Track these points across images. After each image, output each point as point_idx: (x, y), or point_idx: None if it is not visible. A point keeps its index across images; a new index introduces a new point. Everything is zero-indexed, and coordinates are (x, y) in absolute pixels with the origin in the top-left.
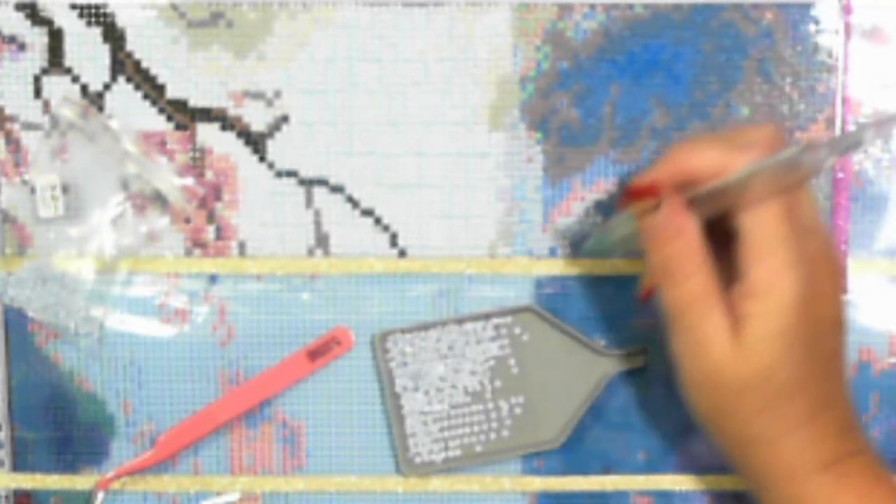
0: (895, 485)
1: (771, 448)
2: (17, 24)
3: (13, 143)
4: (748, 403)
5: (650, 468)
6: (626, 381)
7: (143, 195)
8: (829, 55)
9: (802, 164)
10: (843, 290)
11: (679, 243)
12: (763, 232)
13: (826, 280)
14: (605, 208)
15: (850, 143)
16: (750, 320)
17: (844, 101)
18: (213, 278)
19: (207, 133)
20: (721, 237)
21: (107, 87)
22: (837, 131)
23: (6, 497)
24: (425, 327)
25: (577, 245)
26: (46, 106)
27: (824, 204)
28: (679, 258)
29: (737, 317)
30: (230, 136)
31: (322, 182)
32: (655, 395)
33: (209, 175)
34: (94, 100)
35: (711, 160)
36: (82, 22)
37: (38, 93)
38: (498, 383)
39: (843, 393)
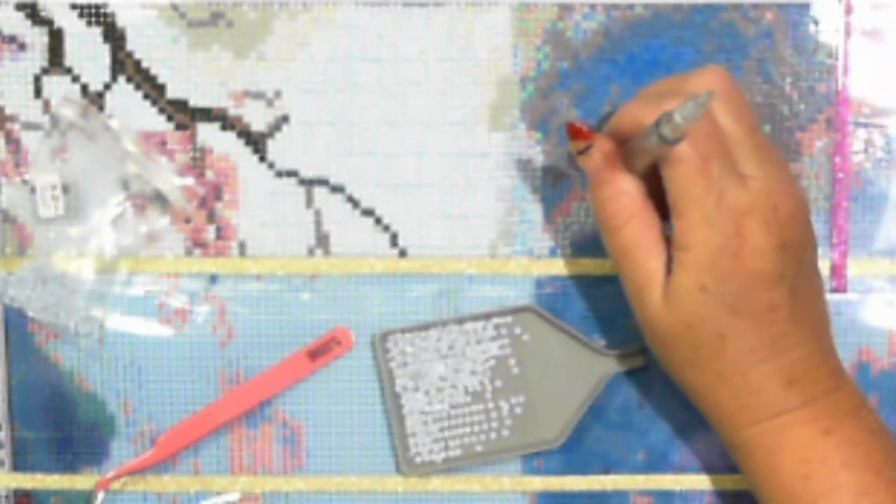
0: (847, 438)
1: (708, 397)
2: (18, 23)
3: (13, 143)
4: (677, 354)
5: (650, 468)
6: (626, 381)
7: (143, 195)
8: (829, 55)
9: (664, 134)
10: (784, 237)
11: (608, 191)
12: (677, 188)
13: (756, 232)
14: None
15: (698, 108)
16: (674, 273)
17: (845, 101)
18: (213, 278)
19: (208, 133)
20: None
21: (107, 86)
22: (837, 132)
23: (6, 497)
24: (425, 327)
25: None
26: (47, 106)
27: (824, 204)
28: (609, 206)
29: (667, 266)
30: (230, 135)
31: (322, 182)
32: (655, 395)
33: (209, 175)
34: (95, 100)
35: (632, 114)
36: (82, 22)
37: (38, 93)
38: (498, 383)
39: (792, 341)
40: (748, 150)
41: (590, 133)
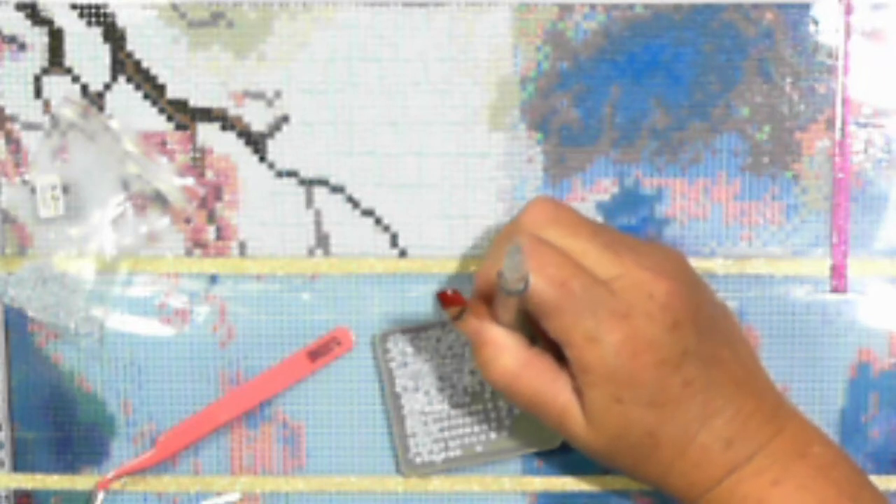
0: (797, 485)
1: (659, 486)
2: (18, 24)
3: (13, 143)
4: (619, 463)
5: None
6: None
7: (143, 195)
8: (830, 55)
9: (508, 289)
10: (672, 317)
11: (489, 352)
12: (552, 324)
13: (643, 328)
14: (606, 208)
15: (516, 260)
16: (584, 397)
17: (844, 101)
18: (213, 278)
19: (208, 133)
20: None
21: (107, 87)
22: (837, 133)
23: (6, 497)
24: (425, 327)
25: None
26: (47, 106)
27: (824, 204)
28: (496, 366)
29: (577, 391)
30: (230, 136)
31: (322, 182)
32: None
33: (209, 175)
34: (95, 100)
35: (487, 270)
36: (82, 22)
37: (38, 93)
38: None
39: (714, 406)
40: (598, 255)
41: (461, 299)
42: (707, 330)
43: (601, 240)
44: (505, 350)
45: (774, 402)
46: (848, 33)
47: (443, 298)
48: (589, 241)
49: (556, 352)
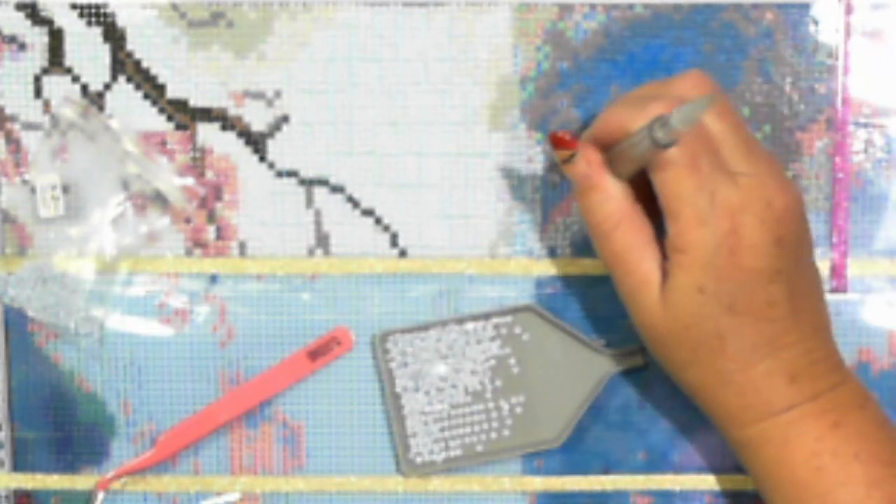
0: (856, 431)
1: (710, 396)
2: (18, 23)
3: (13, 143)
4: (676, 356)
5: (650, 468)
6: (626, 381)
7: (143, 195)
8: (830, 55)
9: (657, 138)
10: (780, 232)
11: (594, 197)
12: (669, 190)
13: (751, 229)
14: None
15: (696, 112)
16: (670, 276)
17: (845, 101)
18: (213, 278)
19: (208, 133)
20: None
21: (107, 86)
22: (837, 132)
23: (6, 497)
24: (425, 327)
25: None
26: (47, 106)
27: (824, 204)
28: (597, 212)
29: (663, 268)
30: (230, 136)
31: (322, 182)
32: (655, 395)
33: (209, 175)
34: (95, 100)
35: (618, 119)
36: (82, 22)
37: (38, 93)
38: (498, 383)
39: (795, 337)
40: (735, 147)
41: (573, 141)
42: (803, 263)
43: (742, 134)
44: (612, 198)
45: (839, 358)
46: (848, 33)
47: (554, 139)
48: (731, 130)
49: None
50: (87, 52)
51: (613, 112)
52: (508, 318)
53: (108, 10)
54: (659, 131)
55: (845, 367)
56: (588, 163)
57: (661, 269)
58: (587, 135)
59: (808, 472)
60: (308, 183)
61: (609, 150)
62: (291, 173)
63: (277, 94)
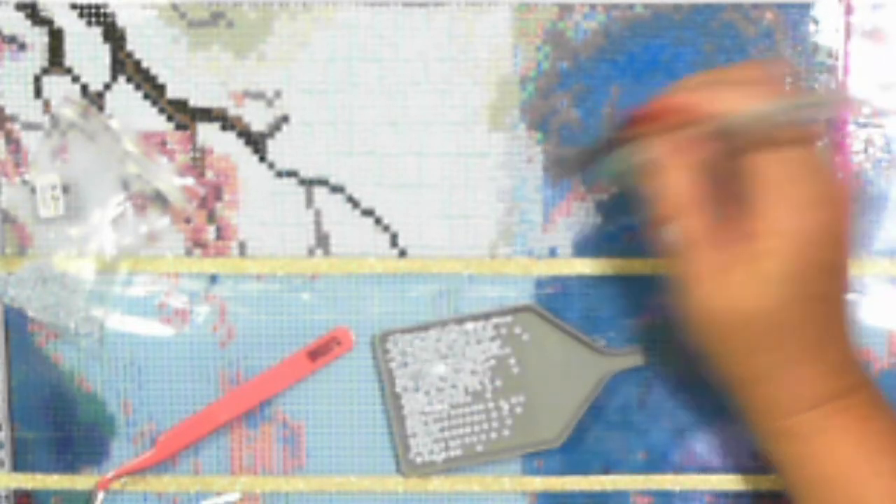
0: (885, 426)
1: (751, 388)
2: (18, 23)
3: (13, 143)
4: (737, 343)
5: (650, 468)
6: (626, 381)
7: (143, 195)
8: (830, 55)
9: (817, 110)
10: (849, 233)
11: (679, 177)
12: (774, 173)
13: (833, 223)
14: (606, 208)
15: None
16: (751, 262)
17: None
18: (213, 278)
19: (208, 133)
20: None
21: (107, 86)
22: (837, 132)
23: (6, 497)
24: (425, 327)
25: (584, 175)
26: (47, 106)
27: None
28: (680, 192)
29: (738, 255)
30: (230, 136)
31: (322, 182)
32: (655, 395)
33: (209, 175)
34: (95, 100)
35: (722, 101)
36: (82, 22)
37: (38, 93)
38: (498, 383)
39: (839, 333)
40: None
41: (660, 115)
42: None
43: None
44: (692, 181)
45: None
46: (848, 33)
47: (640, 118)
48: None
49: None
50: (87, 52)
51: (700, 95)
52: (508, 318)
53: (108, 10)
54: (824, 105)
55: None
56: (674, 143)
57: (724, 255)
58: (647, 115)
59: (838, 466)
60: (308, 183)
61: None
62: (291, 173)
63: (277, 94)
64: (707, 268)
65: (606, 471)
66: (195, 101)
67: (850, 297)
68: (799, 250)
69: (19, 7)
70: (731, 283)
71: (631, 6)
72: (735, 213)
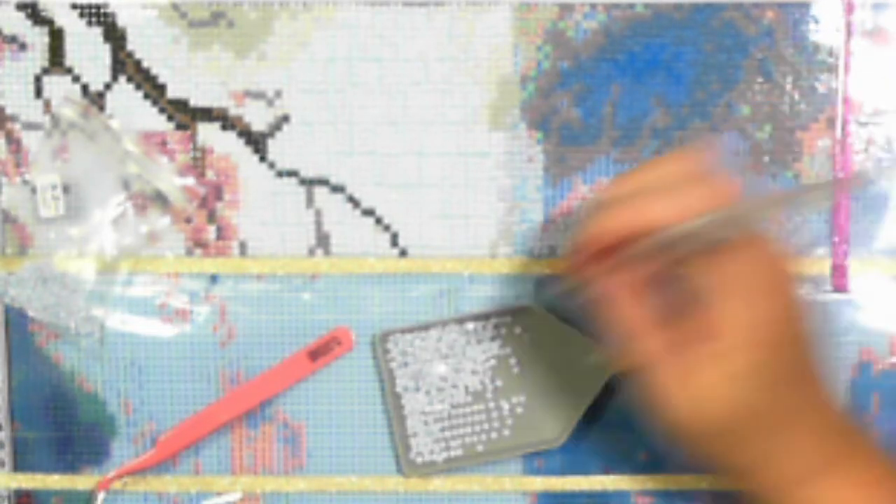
0: (882, 475)
1: (762, 470)
2: (18, 23)
3: (14, 143)
4: (728, 439)
5: (650, 468)
6: (627, 381)
7: (143, 195)
8: (830, 54)
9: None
10: (796, 302)
11: (625, 306)
12: (720, 272)
13: (796, 298)
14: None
15: (825, 195)
16: (722, 359)
17: (845, 100)
18: (213, 278)
19: (208, 133)
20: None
21: (107, 86)
22: (838, 132)
23: (7, 497)
24: (426, 327)
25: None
26: (47, 106)
27: (824, 204)
28: (628, 320)
29: (701, 359)
30: (231, 135)
31: (323, 182)
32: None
33: (210, 175)
34: (95, 100)
35: (645, 216)
36: (83, 22)
37: (38, 92)
38: (498, 383)
39: (820, 400)
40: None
41: (589, 257)
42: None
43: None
44: (642, 301)
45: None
46: (849, 32)
47: (574, 263)
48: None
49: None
50: (87, 52)
51: (632, 212)
52: (508, 318)
53: (109, 10)
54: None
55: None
56: (609, 274)
57: (683, 364)
58: (583, 247)
59: None
60: (308, 183)
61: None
62: (292, 173)
63: (278, 93)
64: (673, 379)
65: (606, 471)
66: (195, 101)
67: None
68: (759, 340)
69: (19, 7)
70: (701, 389)
71: (631, 6)
72: (690, 315)
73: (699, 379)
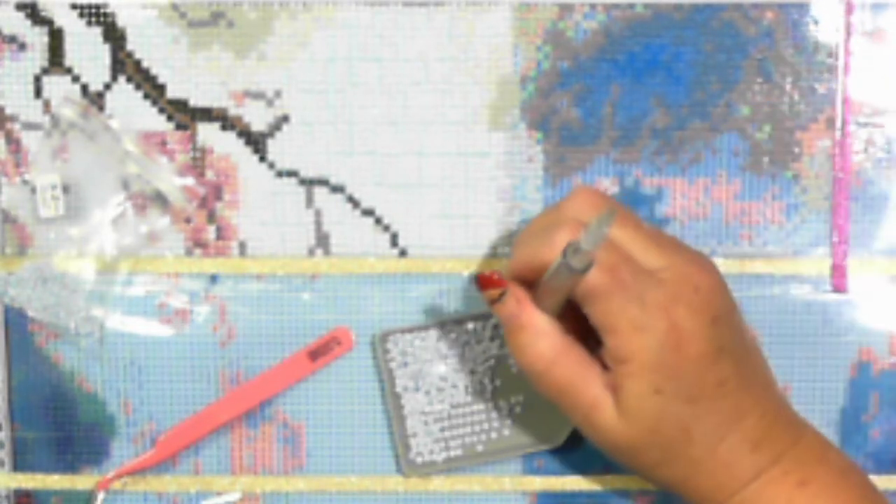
0: (823, 485)
1: (683, 488)
2: (18, 23)
3: (13, 143)
4: (645, 459)
5: None
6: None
7: (143, 195)
8: (830, 55)
9: (572, 265)
10: (713, 312)
11: (527, 336)
12: (599, 309)
13: (687, 318)
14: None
15: (601, 230)
16: (621, 389)
17: (845, 101)
18: (213, 278)
19: (208, 133)
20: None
21: (107, 86)
22: (837, 132)
23: (7, 497)
24: (425, 327)
25: None
26: (47, 106)
27: (824, 204)
28: (532, 351)
29: (608, 386)
30: (231, 135)
31: (322, 182)
32: None
33: (210, 175)
34: (95, 100)
35: (529, 254)
36: (83, 22)
37: (38, 93)
38: (498, 382)
39: (745, 409)
40: (645, 247)
41: (501, 280)
42: (738, 331)
43: (645, 232)
44: (543, 335)
45: (792, 413)
46: (848, 33)
47: (482, 281)
48: (634, 231)
49: (586, 346)
50: (87, 52)
51: (522, 248)
52: None
53: (108, 10)
54: (573, 258)
55: (801, 421)
56: (517, 301)
57: (608, 385)
58: (509, 273)
59: None
60: (308, 183)
61: (534, 284)
62: (291, 173)
63: (277, 93)
64: (591, 404)
65: (606, 471)
66: (195, 101)
67: (758, 359)
68: (654, 365)
69: (19, 7)
70: (617, 411)
71: (631, 6)
72: (595, 346)
73: (626, 393)
